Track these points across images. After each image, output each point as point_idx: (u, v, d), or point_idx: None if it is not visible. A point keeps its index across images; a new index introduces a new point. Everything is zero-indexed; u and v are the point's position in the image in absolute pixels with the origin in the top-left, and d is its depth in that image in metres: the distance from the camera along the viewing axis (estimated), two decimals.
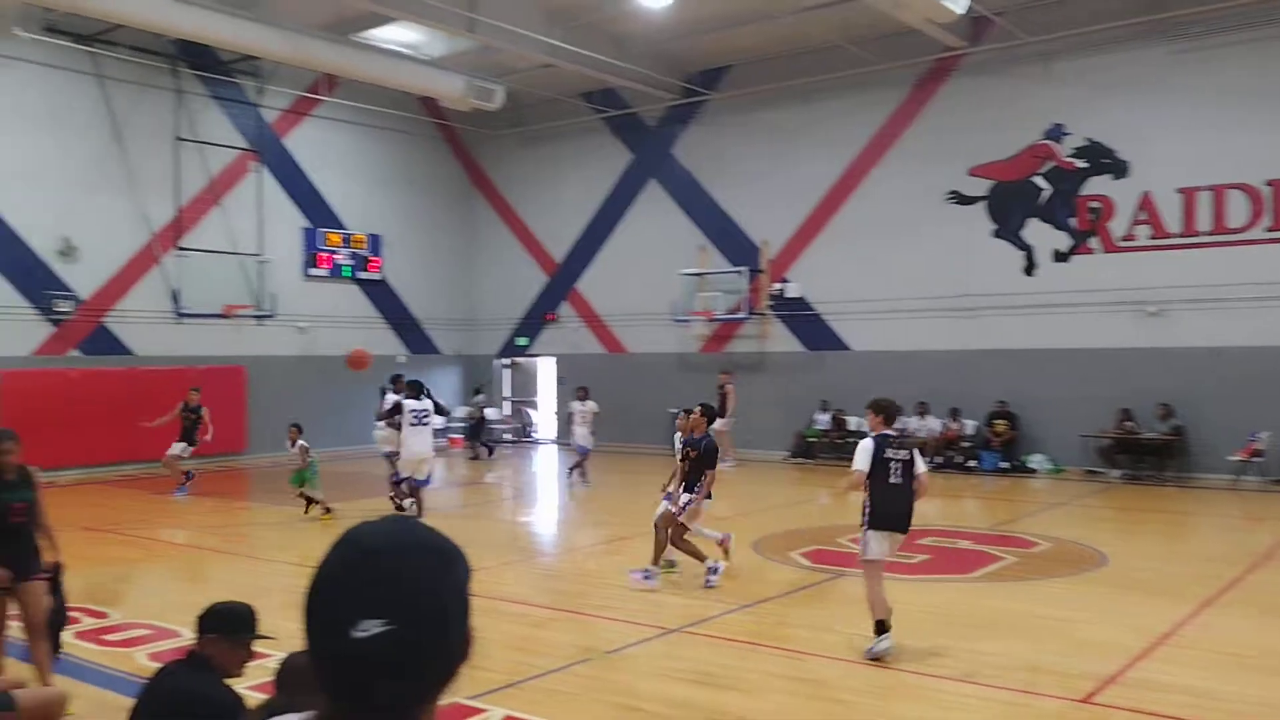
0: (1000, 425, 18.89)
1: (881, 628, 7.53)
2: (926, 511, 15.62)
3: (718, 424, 18.93)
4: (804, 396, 21.36)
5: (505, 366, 27.18)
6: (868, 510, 7.78)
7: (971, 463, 18.96)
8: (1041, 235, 19.02)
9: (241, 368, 21.28)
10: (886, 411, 7.94)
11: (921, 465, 7.85)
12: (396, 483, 13.22)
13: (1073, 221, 18.71)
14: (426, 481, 13.05)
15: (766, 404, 21.88)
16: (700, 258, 22.91)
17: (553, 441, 25.51)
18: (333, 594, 1.26)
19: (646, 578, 9.80)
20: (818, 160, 21.30)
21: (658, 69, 21.63)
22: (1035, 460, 18.63)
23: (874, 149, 20.71)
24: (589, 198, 24.86)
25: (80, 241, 19.12)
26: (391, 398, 14.02)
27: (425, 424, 12.76)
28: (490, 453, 22.69)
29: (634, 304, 23.89)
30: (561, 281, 25.50)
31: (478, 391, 23.80)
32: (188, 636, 7.78)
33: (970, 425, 19.35)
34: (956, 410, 19.27)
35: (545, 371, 26.49)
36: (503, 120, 25.21)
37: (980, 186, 19.59)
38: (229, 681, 4.04)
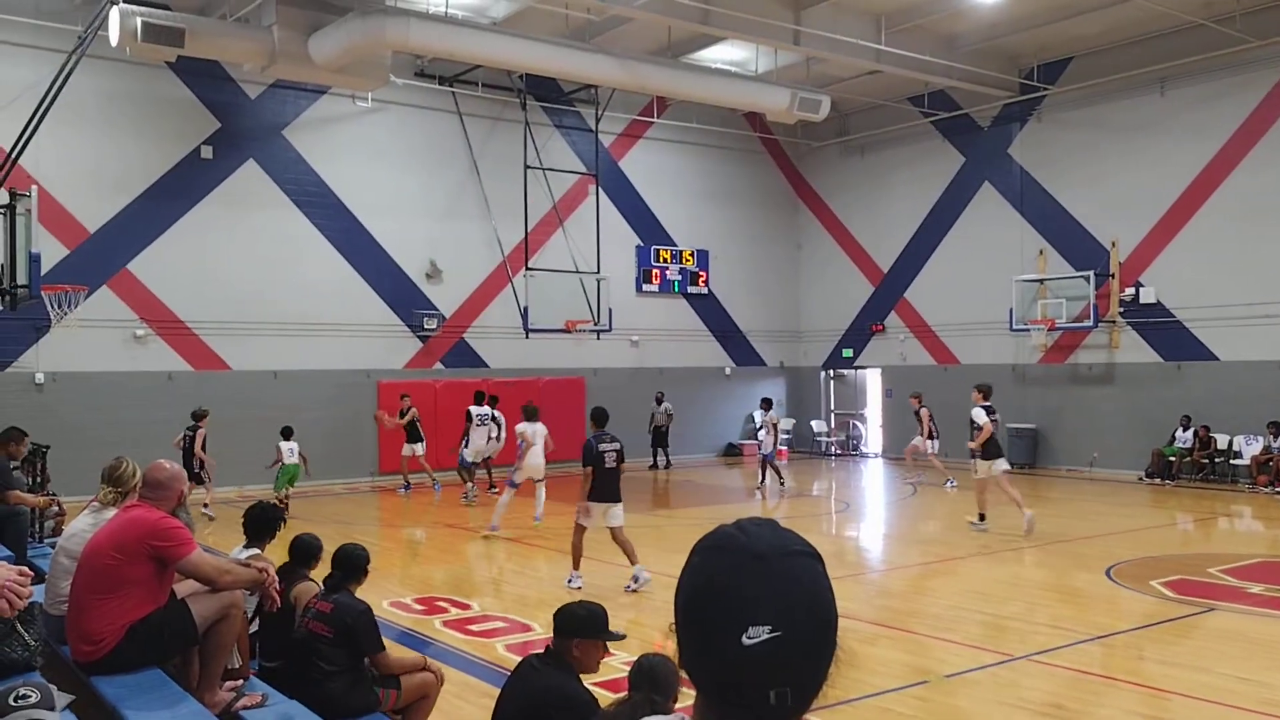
0: None
1: (982, 517, 13.45)
2: None
3: (921, 442, 19.35)
4: (1160, 411, 19.49)
5: (830, 379, 26.96)
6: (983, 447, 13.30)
7: None
8: None
9: (581, 379, 22.58)
10: (987, 391, 13.73)
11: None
12: (465, 466, 17.24)
13: None
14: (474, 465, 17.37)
15: (1116, 419, 20.22)
16: (1039, 263, 21.59)
17: (879, 455, 24.98)
18: (721, 600, 1.27)
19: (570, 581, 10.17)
20: (1176, 152, 19.43)
21: (991, 66, 20.65)
22: None
23: (1245, 135, 18.58)
24: (917, 204, 24.15)
25: (444, 264, 21.14)
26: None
27: (485, 425, 17.06)
28: (667, 464, 22.68)
29: (966, 313, 22.91)
30: (888, 291, 24.93)
31: (659, 401, 23.20)
32: (539, 631, 8.37)
33: None
34: None
35: (872, 383, 26.01)
36: (827, 130, 25.09)
37: None
38: (584, 678, 4.27)
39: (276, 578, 4.99)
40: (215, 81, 18.72)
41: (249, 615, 5.43)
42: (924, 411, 19.17)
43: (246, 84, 19.01)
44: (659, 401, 22.95)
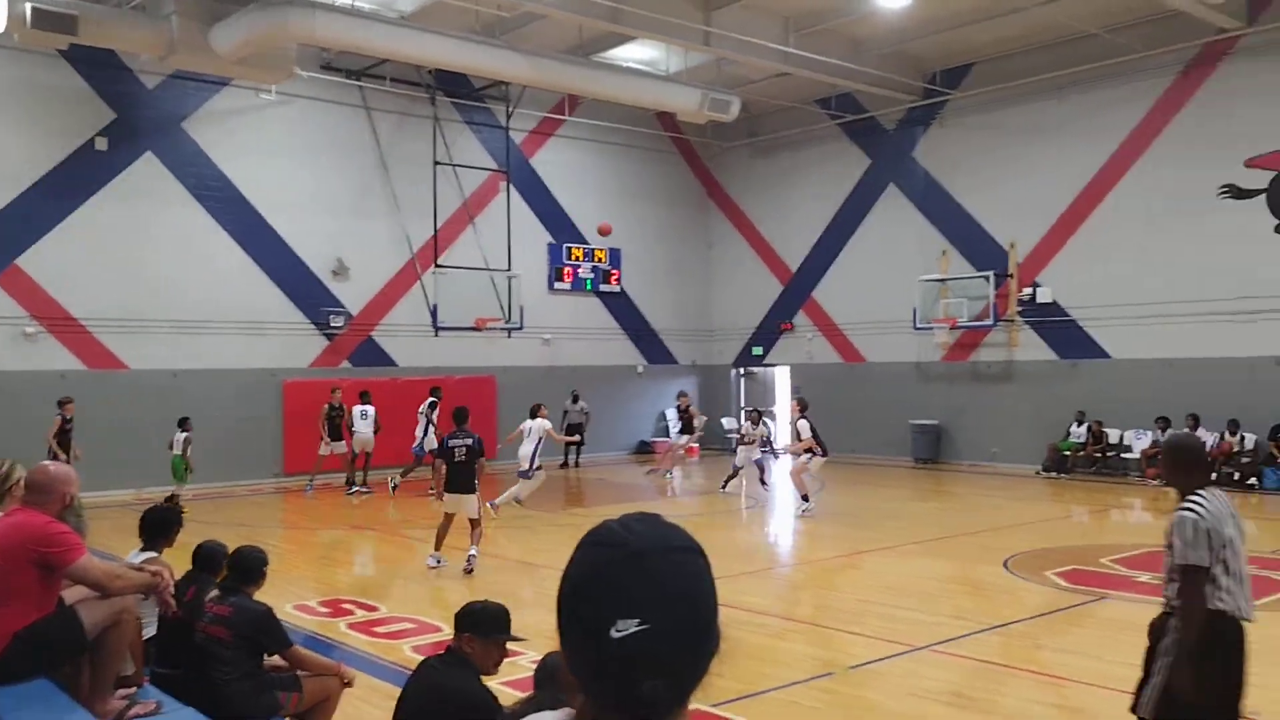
0: None
1: (805, 499, 15.04)
2: None
3: (683, 440, 21.52)
4: (1057, 408, 20.17)
5: (741, 376, 27.24)
6: (815, 451, 15.07)
7: (1252, 480, 17.30)
8: None
9: (492, 378, 22.40)
10: (805, 403, 15.58)
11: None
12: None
13: None
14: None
15: (1015, 415, 20.85)
16: (942, 263, 22.14)
17: (786, 451, 25.31)
18: (594, 594, 1.28)
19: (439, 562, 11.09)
20: (1071, 156, 20.12)
21: (896, 70, 21.09)
22: None
23: (1135, 142, 19.33)
24: (825, 205, 24.55)
25: (351, 261, 20.76)
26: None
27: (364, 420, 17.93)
28: (576, 464, 22.67)
29: (872, 312, 23.37)
30: (797, 290, 25.30)
31: (575, 399, 22.97)
32: (447, 632, 8.27)
33: (1250, 440, 17.66)
34: (1235, 423, 17.64)
35: (781, 381, 26.35)
36: (737, 131, 25.34)
37: (1260, 179, 17.87)
38: (485, 679, 4.23)
39: (171, 582, 4.84)
40: (110, 71, 18.07)
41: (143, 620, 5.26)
42: (692, 409, 21.49)
43: (144, 74, 18.40)
44: (575, 400, 22.85)
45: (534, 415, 14.72)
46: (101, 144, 18.03)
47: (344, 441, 17.95)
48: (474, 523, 11.06)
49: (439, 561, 11.10)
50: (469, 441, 11.07)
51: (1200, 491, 4.53)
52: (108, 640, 4.56)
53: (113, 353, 18.12)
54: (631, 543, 1.30)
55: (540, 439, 14.50)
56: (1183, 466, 4.65)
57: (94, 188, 17.95)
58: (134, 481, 16.89)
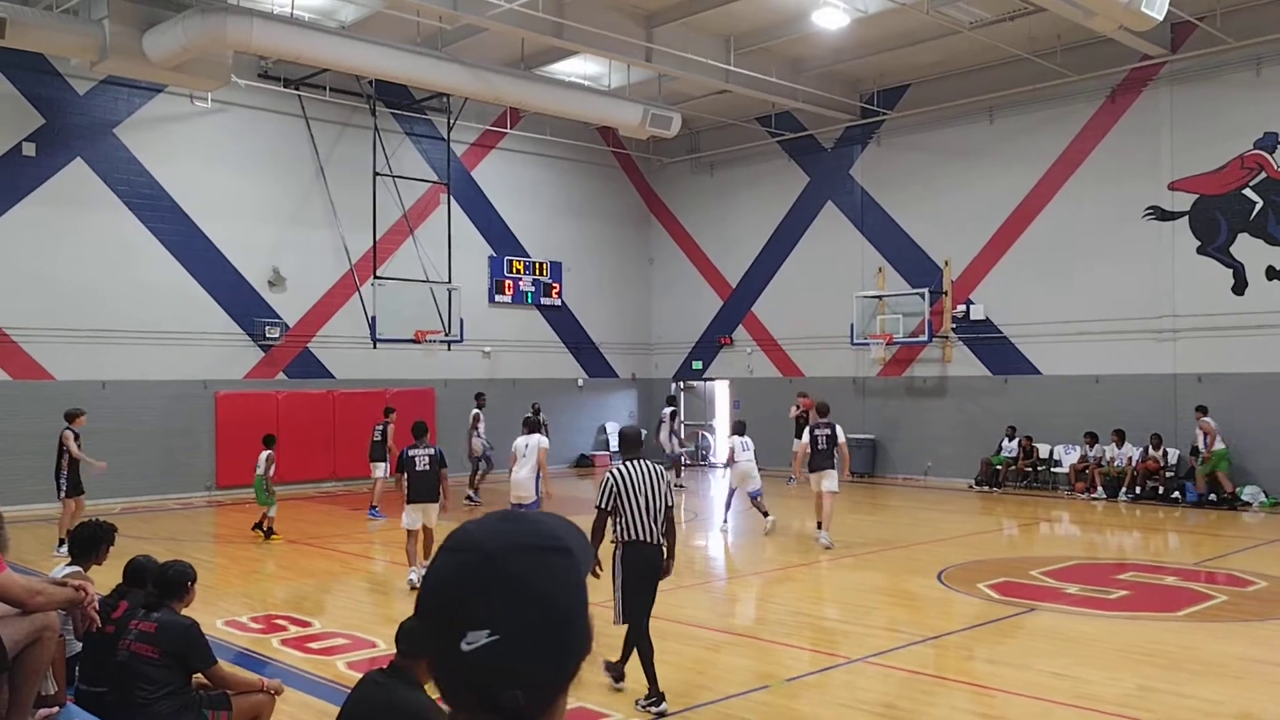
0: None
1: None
2: (1125, 544, 14.81)
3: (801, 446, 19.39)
4: (989, 422, 20.57)
5: (680, 390, 27.35)
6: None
7: (1175, 494, 17.77)
8: (1253, 251, 17.72)
9: (431, 390, 22.23)
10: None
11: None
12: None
13: None
14: None
15: (948, 430, 21.20)
16: (878, 280, 22.48)
17: (725, 465, 25.44)
18: (443, 605, 1.23)
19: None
20: (1003, 177, 20.58)
21: (834, 90, 21.42)
22: (1248, 493, 17.30)
23: (1064, 164, 19.84)
24: (764, 221, 24.80)
25: (288, 272, 20.48)
26: None
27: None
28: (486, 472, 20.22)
29: (810, 327, 23.63)
30: (736, 305, 25.50)
31: (536, 412, 21.55)
32: (383, 647, 8.19)
33: (1173, 454, 18.16)
34: (1158, 438, 18.12)
35: (720, 395, 26.51)
36: (678, 147, 25.51)
37: (1183, 201, 18.44)
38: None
39: (95, 597, 4.74)
40: (39, 75, 17.66)
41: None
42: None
43: (74, 79, 18.01)
44: (536, 412, 21.26)
45: (533, 429, 12.32)
46: (29, 149, 17.60)
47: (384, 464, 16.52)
48: (428, 533, 10.93)
49: (419, 579, 10.77)
50: (430, 452, 11.05)
51: (628, 462, 6.99)
52: (28, 658, 4.44)
53: (39, 363, 17.65)
54: (483, 546, 1.25)
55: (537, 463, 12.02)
56: (622, 446, 7.40)
57: (20, 194, 17.51)
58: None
